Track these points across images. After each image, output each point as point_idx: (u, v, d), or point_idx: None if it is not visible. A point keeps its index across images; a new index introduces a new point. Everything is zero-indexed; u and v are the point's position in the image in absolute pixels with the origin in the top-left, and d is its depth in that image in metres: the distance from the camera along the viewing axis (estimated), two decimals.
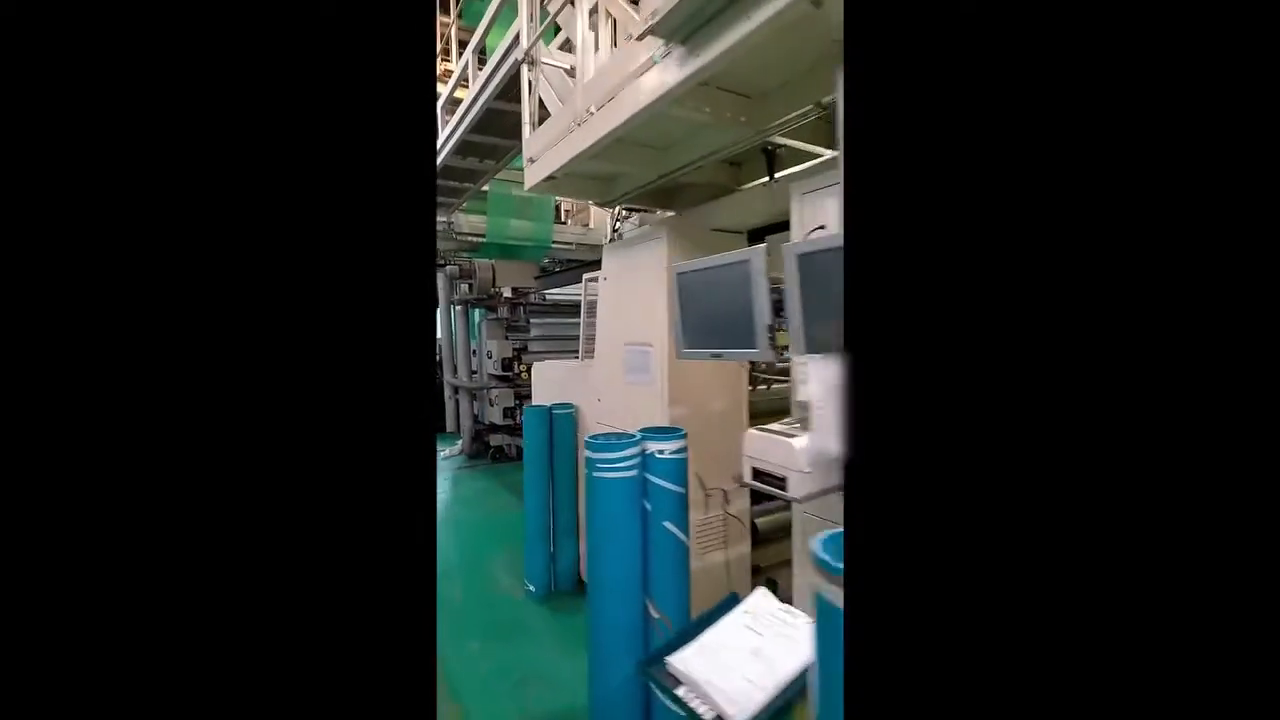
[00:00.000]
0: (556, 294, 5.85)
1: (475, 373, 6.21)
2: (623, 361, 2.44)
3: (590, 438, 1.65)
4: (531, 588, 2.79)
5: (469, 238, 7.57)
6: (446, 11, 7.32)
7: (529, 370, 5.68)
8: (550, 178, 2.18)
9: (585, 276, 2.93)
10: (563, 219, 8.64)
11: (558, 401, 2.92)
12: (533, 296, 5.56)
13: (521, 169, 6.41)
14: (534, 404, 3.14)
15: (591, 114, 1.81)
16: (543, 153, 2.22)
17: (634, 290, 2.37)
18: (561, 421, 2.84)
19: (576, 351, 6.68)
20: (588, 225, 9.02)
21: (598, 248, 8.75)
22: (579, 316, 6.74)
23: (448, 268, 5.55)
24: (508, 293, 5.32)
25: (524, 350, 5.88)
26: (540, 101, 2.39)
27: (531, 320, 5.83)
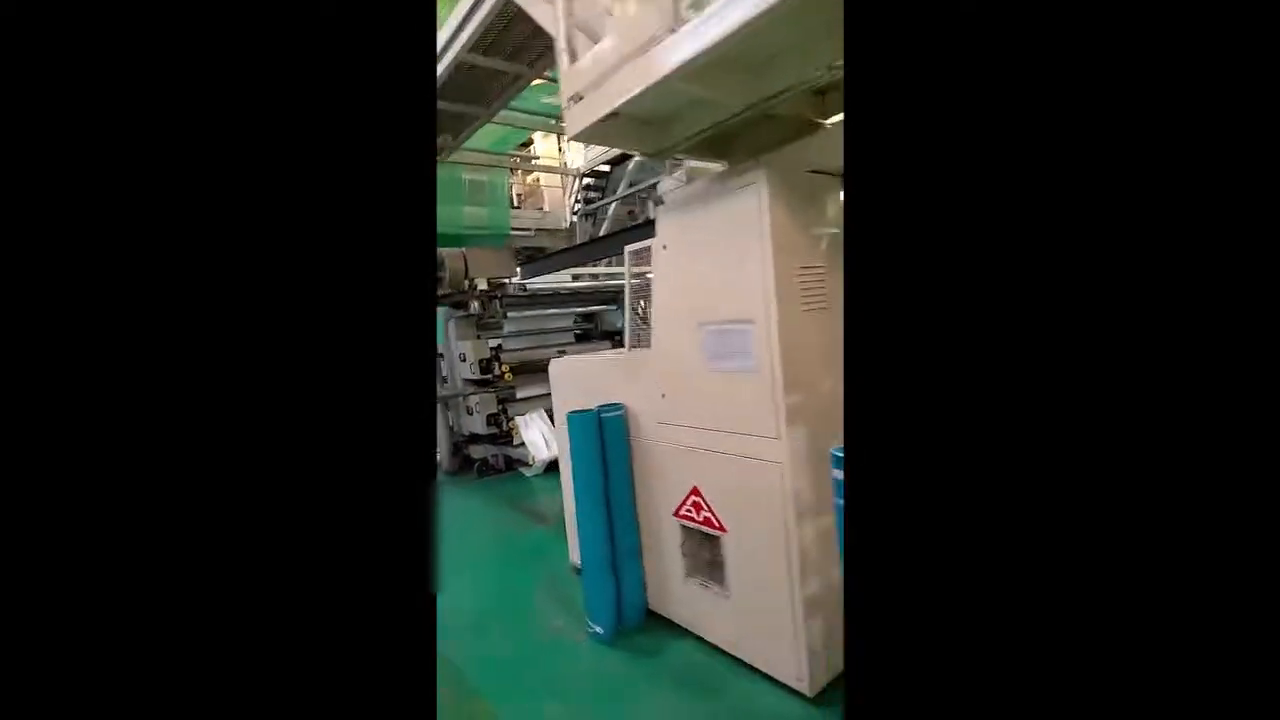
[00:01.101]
0: (536, 283, 5.26)
1: (445, 379, 5.52)
2: (701, 346, 1.99)
3: None
4: (598, 629, 2.32)
5: None
6: None
7: (512, 371, 5.11)
8: (613, 115, 1.68)
9: (629, 248, 2.44)
10: (515, 203, 7.97)
11: (593, 403, 2.44)
12: (511, 288, 4.95)
13: (474, 149, 5.64)
14: (571, 408, 2.64)
15: (689, 17, 1.34)
16: (598, 85, 1.71)
17: (718, 256, 1.92)
18: (612, 426, 2.37)
19: (558, 346, 6.13)
20: (542, 208, 8.40)
21: (557, 232, 8.19)
22: (561, 307, 6.20)
23: None
24: (483, 285, 4.69)
25: (500, 349, 5.27)
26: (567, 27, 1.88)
27: (508, 315, 5.22)
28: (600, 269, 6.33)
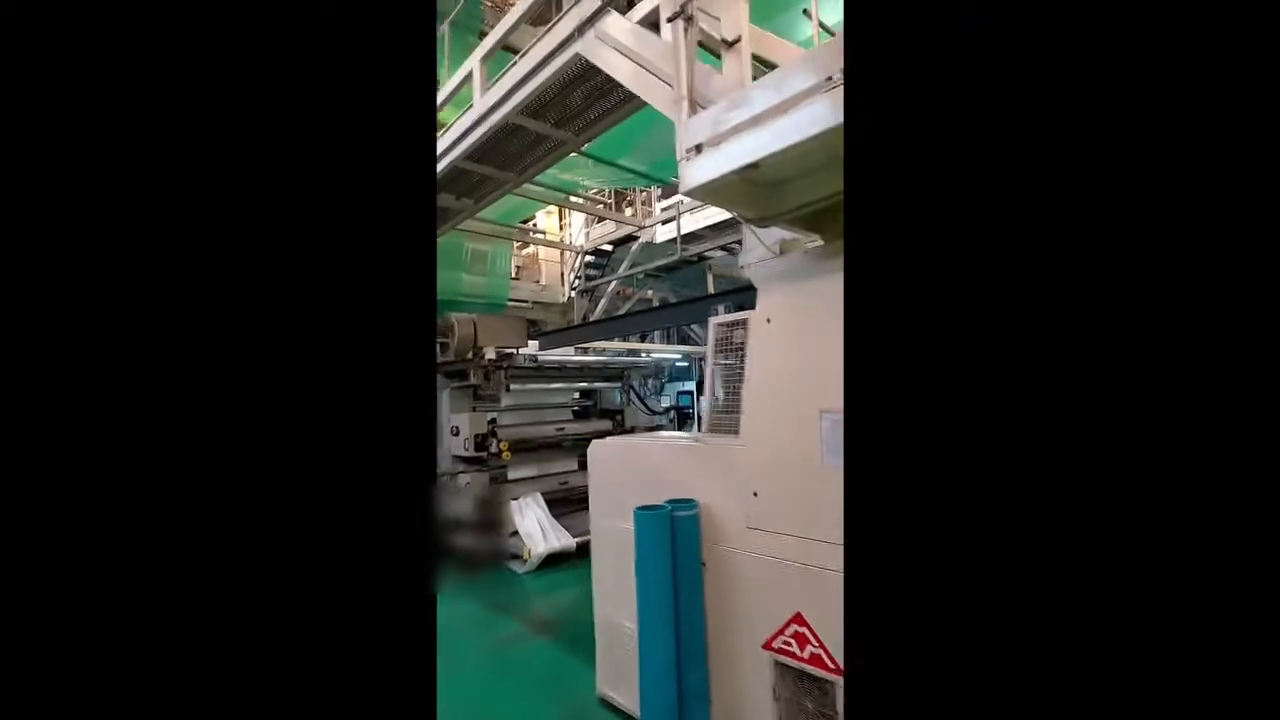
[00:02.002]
0: (547, 356, 4.93)
1: None
2: (819, 437, 1.69)
3: None
4: None
5: None
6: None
7: (509, 449, 4.64)
8: (750, 166, 1.47)
9: (714, 320, 2.16)
10: (514, 275, 7.81)
11: (652, 496, 2.06)
12: (519, 359, 4.60)
13: (481, 218, 5.48)
14: (618, 501, 2.24)
15: None
16: (719, 141, 1.52)
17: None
18: (685, 529, 1.97)
19: (556, 423, 5.70)
20: (539, 282, 8.26)
21: (553, 306, 8.03)
22: (565, 382, 5.83)
23: None
24: (490, 354, 4.33)
25: (496, 423, 4.82)
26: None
27: (511, 387, 4.83)
28: (604, 343, 6.08)
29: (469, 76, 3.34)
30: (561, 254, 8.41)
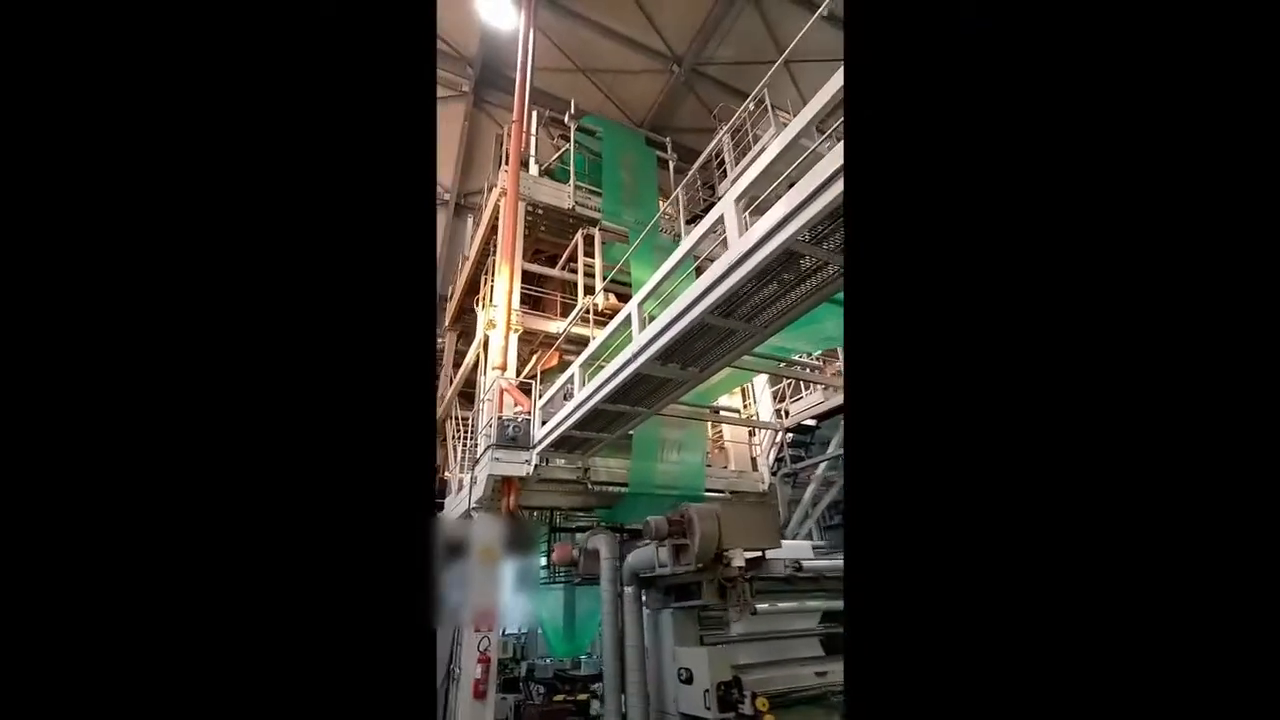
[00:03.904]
0: (815, 561, 3.64)
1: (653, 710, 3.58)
2: None
3: None
4: None
5: (608, 487, 5.75)
6: (591, 254, 6.99)
7: (770, 708, 3.14)
8: None
9: None
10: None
11: None
12: (771, 566, 3.36)
13: (679, 402, 4.75)
14: None
15: None
16: None
17: None
18: None
19: (807, 662, 4.07)
20: (727, 466, 7.25)
21: (749, 495, 6.78)
22: (820, 597, 4.35)
23: (650, 524, 3.48)
24: (738, 560, 3.16)
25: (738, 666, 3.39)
26: None
27: (756, 610, 3.48)
28: None
29: (720, 219, 2.90)
30: (749, 435, 7.47)
